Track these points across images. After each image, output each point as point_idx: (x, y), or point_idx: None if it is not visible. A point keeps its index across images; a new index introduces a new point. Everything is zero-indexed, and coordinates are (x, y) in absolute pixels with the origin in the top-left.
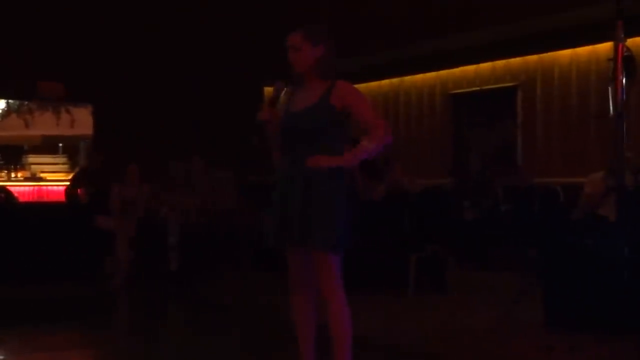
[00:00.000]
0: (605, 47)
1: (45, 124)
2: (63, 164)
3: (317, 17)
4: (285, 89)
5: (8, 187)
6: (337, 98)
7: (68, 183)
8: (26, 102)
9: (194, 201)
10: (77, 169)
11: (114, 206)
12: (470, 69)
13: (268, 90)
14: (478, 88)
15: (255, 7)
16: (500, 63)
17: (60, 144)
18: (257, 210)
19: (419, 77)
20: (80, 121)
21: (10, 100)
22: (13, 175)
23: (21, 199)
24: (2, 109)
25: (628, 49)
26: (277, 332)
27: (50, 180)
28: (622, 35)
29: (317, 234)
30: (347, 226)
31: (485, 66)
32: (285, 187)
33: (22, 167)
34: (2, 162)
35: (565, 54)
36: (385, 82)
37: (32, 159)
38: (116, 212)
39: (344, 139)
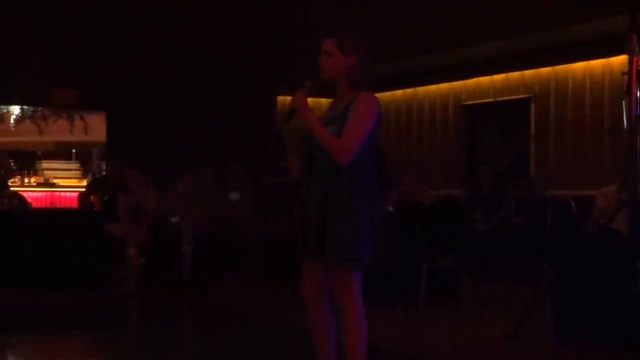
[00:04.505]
0: (619, 60)
1: (58, 130)
2: (76, 170)
3: (329, 27)
4: (296, 109)
5: (21, 193)
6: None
7: (83, 190)
8: (40, 109)
9: (206, 210)
10: (91, 177)
11: (121, 213)
12: (484, 80)
13: (281, 99)
14: (491, 99)
15: (269, 15)
16: (514, 75)
17: (74, 150)
18: (270, 219)
19: (433, 88)
20: (94, 128)
21: (24, 107)
22: (26, 180)
23: (34, 205)
24: (16, 115)
25: None
26: (289, 342)
27: (63, 186)
28: (637, 49)
29: (332, 249)
30: (368, 242)
31: (499, 78)
32: (306, 199)
33: (35, 173)
34: (15, 167)
35: (579, 66)
36: (398, 93)
37: (45, 164)
38: (124, 219)
39: (366, 152)
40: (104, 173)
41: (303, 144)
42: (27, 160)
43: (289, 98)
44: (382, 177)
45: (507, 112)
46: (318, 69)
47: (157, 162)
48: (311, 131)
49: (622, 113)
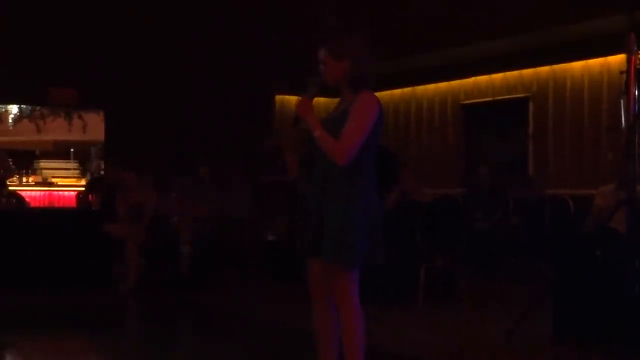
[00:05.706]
0: (617, 59)
1: (57, 130)
2: (74, 169)
3: (326, 27)
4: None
5: (19, 192)
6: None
7: (82, 189)
8: (38, 108)
9: (206, 210)
10: (89, 176)
11: (120, 213)
12: (482, 79)
13: (279, 98)
14: (490, 99)
15: (267, 15)
16: (512, 74)
17: (72, 150)
18: (269, 217)
19: (431, 87)
20: (92, 127)
21: (22, 106)
22: (24, 180)
23: (32, 204)
24: (15, 114)
25: None
26: (289, 341)
27: (62, 185)
28: (635, 48)
29: (328, 247)
30: (364, 242)
31: (497, 77)
32: (306, 197)
33: (34, 172)
34: (14, 166)
35: (578, 65)
36: (397, 92)
37: (43, 164)
38: (123, 219)
39: (366, 153)
40: (102, 172)
41: (305, 144)
42: (25, 160)
43: (287, 97)
44: (389, 179)
45: (506, 112)
46: (317, 68)
47: (156, 162)
48: (312, 133)
49: (621, 112)
